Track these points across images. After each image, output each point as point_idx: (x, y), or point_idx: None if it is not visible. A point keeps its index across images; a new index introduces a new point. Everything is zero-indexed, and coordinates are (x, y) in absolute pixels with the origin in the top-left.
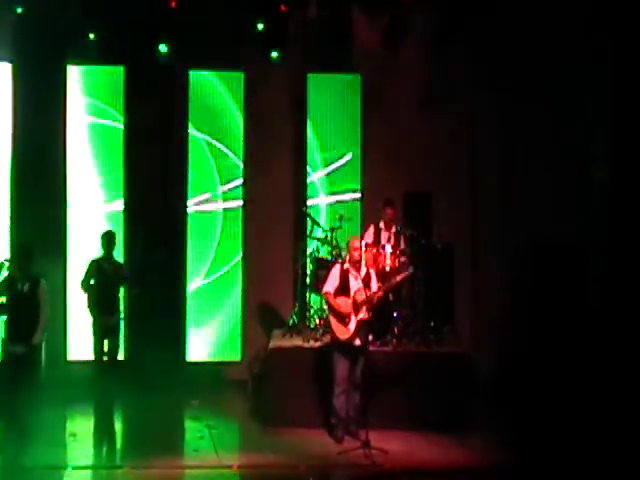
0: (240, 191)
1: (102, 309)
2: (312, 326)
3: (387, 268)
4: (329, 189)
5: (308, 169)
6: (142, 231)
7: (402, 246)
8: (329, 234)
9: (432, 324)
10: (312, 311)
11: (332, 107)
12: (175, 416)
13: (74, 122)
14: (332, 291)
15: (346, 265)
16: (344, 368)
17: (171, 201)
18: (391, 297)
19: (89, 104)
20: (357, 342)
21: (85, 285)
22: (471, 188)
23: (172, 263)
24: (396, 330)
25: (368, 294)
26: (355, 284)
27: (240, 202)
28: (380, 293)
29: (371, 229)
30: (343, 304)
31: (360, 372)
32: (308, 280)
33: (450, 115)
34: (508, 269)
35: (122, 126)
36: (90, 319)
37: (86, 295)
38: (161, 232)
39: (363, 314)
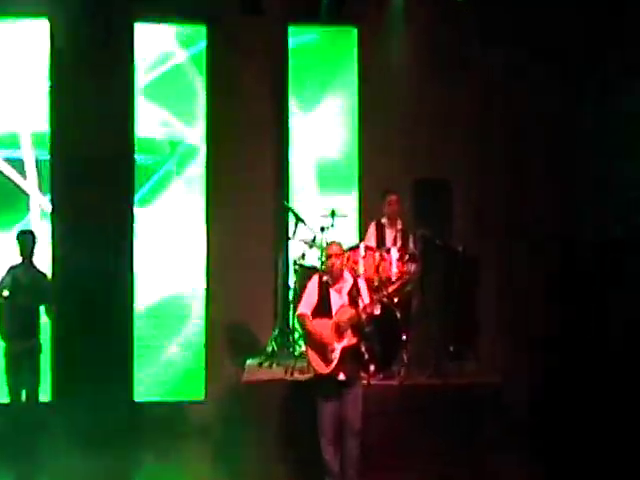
0: (202, 181)
1: (15, 331)
2: (297, 354)
3: (393, 277)
4: (319, 177)
5: (291, 153)
6: (74, 233)
7: (412, 249)
8: (318, 235)
9: (451, 349)
10: (297, 334)
11: (321, 71)
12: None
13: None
14: (308, 312)
15: (326, 277)
16: (329, 411)
17: (112, 195)
18: (398, 314)
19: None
20: (341, 376)
21: None
22: (500, 174)
23: (114, 274)
24: (405, 357)
25: (354, 312)
26: (338, 300)
27: (202, 195)
28: (370, 309)
29: (372, 228)
30: (322, 328)
31: (353, 414)
32: (291, 294)
33: (470, 82)
34: (546, 278)
35: None
36: (0, 344)
37: None
38: (99, 234)
39: (348, 339)
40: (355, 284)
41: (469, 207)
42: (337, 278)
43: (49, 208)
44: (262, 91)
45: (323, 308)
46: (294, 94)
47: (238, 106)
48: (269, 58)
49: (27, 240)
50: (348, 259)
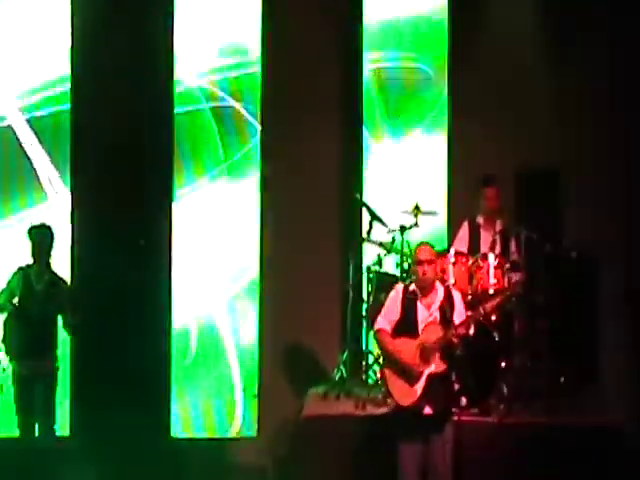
0: (256, 169)
1: (26, 349)
2: (371, 382)
3: (491, 290)
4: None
5: (365, 133)
6: (100, 231)
7: (514, 255)
8: (397, 236)
9: (563, 380)
10: (371, 358)
11: (401, 34)
12: None
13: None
14: (389, 328)
15: (412, 286)
16: (412, 456)
17: (148, 186)
18: (496, 336)
19: None
20: (427, 410)
21: (2, 306)
22: (625, 164)
23: (150, 280)
24: (505, 389)
25: (444, 332)
26: (426, 316)
27: (255, 186)
28: (464, 329)
29: (465, 228)
30: (405, 349)
31: (441, 460)
32: (364, 309)
33: (589, 47)
34: None
35: None
36: (7, 366)
37: (2, 325)
38: (132, 234)
39: (436, 365)
40: (448, 297)
41: (585, 204)
42: (428, 289)
43: (64, 191)
44: (328, 58)
45: (407, 325)
46: (369, 60)
47: (300, 76)
48: (336, 18)
49: (42, 237)
50: (457, 264)
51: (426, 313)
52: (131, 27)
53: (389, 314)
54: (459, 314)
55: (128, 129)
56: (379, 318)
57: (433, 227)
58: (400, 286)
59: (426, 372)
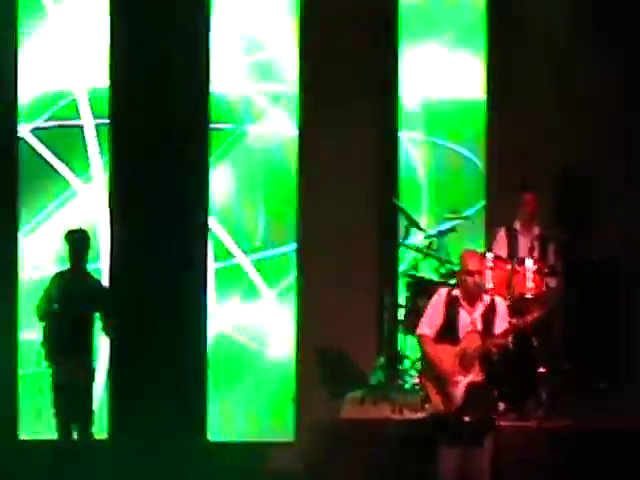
0: (291, 170)
1: (65, 353)
2: (407, 387)
3: (529, 295)
4: (436, 166)
5: (401, 133)
6: (135, 229)
7: (553, 260)
8: (434, 240)
9: (602, 385)
10: (408, 363)
11: (438, 25)
12: None
13: None
14: (431, 334)
15: (456, 291)
16: (451, 461)
17: (185, 189)
18: (534, 342)
19: None
20: (467, 418)
21: (44, 312)
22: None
23: (185, 281)
24: (543, 395)
25: (485, 340)
26: (468, 323)
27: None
28: (505, 339)
29: (502, 234)
30: (446, 355)
31: (480, 466)
32: (401, 314)
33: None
34: None
35: None
36: (47, 369)
37: (42, 329)
38: (167, 231)
39: (476, 373)
40: (491, 305)
41: (625, 209)
42: (475, 298)
43: (101, 192)
44: (363, 50)
45: (449, 331)
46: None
47: (335, 66)
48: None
49: (78, 241)
50: (494, 269)
51: (468, 320)
52: (169, 38)
53: (432, 319)
54: (502, 322)
55: (164, 139)
56: (421, 323)
57: (470, 232)
58: (443, 290)
59: (466, 380)
